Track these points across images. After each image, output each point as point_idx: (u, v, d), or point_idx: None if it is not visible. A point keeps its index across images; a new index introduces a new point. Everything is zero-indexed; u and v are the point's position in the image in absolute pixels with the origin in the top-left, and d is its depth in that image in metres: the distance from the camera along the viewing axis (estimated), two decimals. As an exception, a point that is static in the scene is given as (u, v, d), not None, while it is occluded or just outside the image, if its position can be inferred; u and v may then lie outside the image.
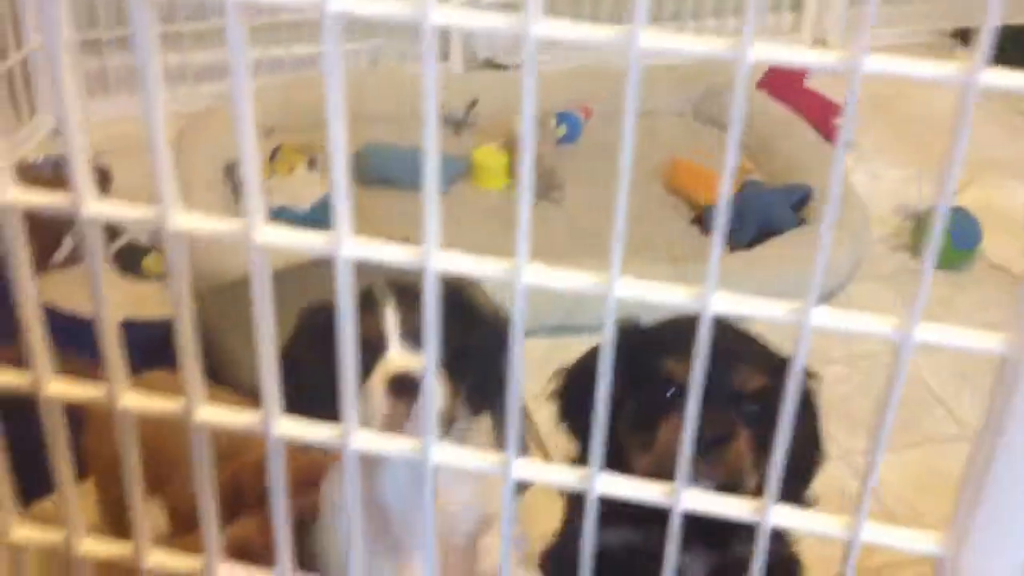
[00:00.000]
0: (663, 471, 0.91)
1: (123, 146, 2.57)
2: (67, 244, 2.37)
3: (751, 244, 2.39)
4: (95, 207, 0.63)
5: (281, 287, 1.58)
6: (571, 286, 0.58)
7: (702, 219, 2.55)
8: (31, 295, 0.69)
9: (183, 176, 2.46)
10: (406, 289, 0.89)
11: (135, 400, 0.71)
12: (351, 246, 0.61)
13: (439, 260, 0.60)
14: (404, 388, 0.84)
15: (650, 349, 0.93)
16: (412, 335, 0.87)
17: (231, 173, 2.67)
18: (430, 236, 0.60)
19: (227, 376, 1.48)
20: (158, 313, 2.09)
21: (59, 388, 0.71)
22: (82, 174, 0.62)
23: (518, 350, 0.62)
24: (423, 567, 0.85)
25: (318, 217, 2.53)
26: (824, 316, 0.56)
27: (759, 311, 0.57)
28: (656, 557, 1.00)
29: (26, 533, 0.79)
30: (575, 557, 1.03)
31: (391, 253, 0.61)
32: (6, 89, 2.84)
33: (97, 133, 2.81)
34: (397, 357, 0.86)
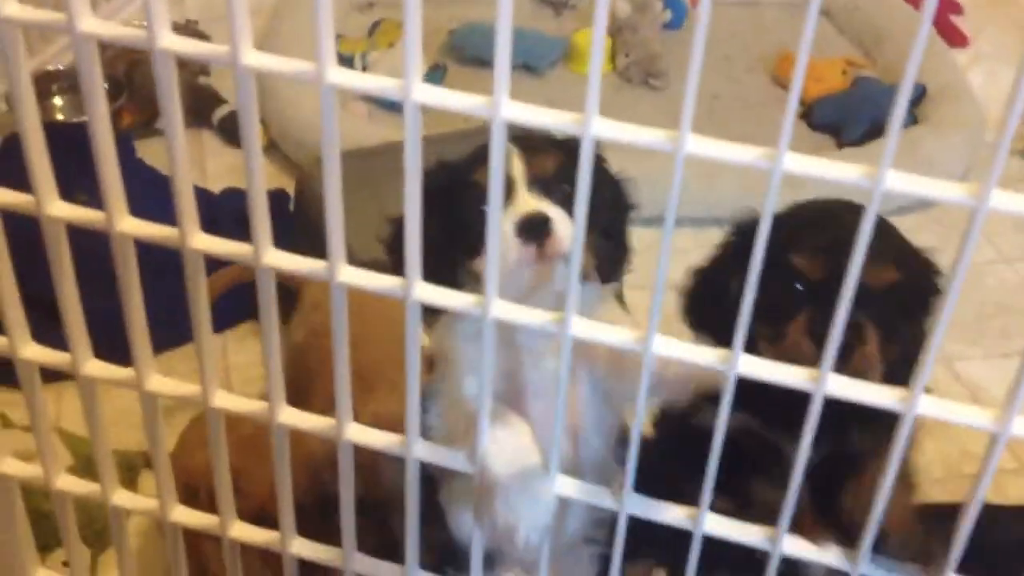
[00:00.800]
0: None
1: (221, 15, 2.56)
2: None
3: (862, 141, 2.33)
4: (253, 58, 0.62)
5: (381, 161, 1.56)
6: (736, 159, 0.57)
7: (810, 113, 2.48)
8: (181, 140, 0.69)
9: (283, 49, 2.44)
10: (530, 139, 0.88)
11: (278, 259, 0.71)
12: (509, 109, 0.60)
13: (598, 127, 0.59)
14: (534, 228, 0.84)
15: (777, 242, 0.90)
16: (538, 183, 0.87)
17: (331, 47, 2.65)
18: (591, 104, 0.58)
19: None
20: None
21: (204, 242, 0.72)
22: (242, 28, 0.62)
23: (671, 221, 0.61)
24: (541, 418, 0.86)
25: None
26: (1003, 199, 0.54)
27: (933, 191, 0.55)
28: (764, 440, 1.00)
29: (161, 384, 0.82)
30: (679, 431, 1.03)
31: (549, 118, 0.60)
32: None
33: (196, 2, 2.81)
34: (526, 200, 0.86)
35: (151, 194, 1.15)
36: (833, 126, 2.43)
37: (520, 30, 2.71)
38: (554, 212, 0.84)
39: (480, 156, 0.61)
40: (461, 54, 2.70)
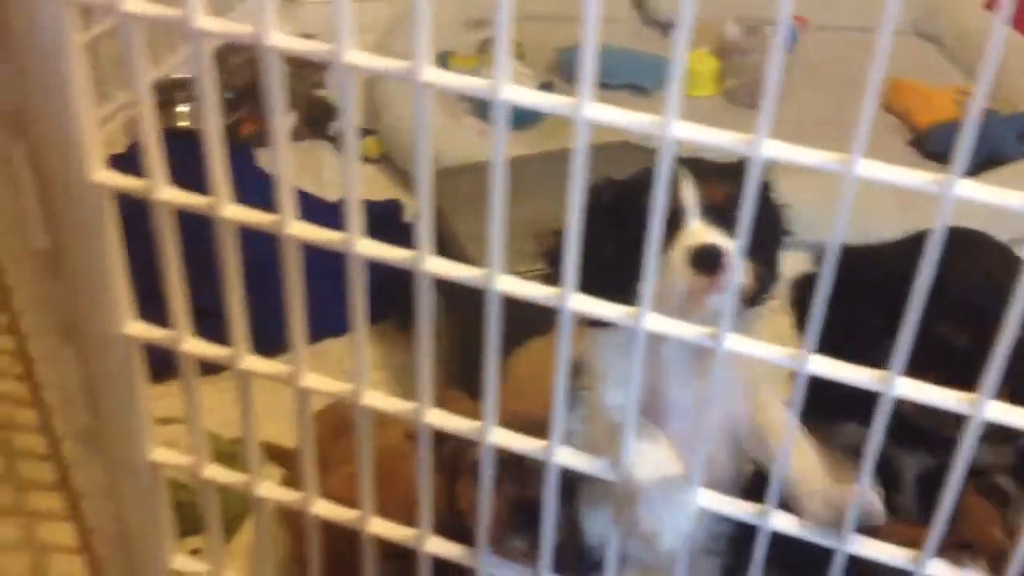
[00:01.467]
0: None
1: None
2: (288, 121, 2.46)
3: (974, 173, 2.30)
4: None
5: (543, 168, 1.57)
6: (906, 182, 0.58)
7: (922, 141, 2.46)
8: (355, 163, 0.73)
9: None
10: (702, 164, 0.88)
11: (436, 265, 0.75)
12: (679, 128, 0.62)
13: (769, 148, 0.61)
14: (706, 261, 0.84)
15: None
16: (710, 210, 0.87)
17: (443, 64, 2.70)
18: (762, 125, 0.60)
19: (452, 255, 1.53)
20: (376, 195, 2.16)
21: (369, 248, 0.76)
22: (422, 48, 0.65)
23: (837, 243, 0.63)
24: (680, 436, 0.87)
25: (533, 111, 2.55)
26: None
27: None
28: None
29: (315, 382, 0.85)
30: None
31: (718, 138, 0.62)
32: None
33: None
34: (699, 230, 0.87)
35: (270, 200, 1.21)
36: (946, 155, 2.40)
37: (628, 51, 2.74)
38: (727, 243, 0.85)
39: (650, 177, 0.63)
40: (568, 73, 2.74)
